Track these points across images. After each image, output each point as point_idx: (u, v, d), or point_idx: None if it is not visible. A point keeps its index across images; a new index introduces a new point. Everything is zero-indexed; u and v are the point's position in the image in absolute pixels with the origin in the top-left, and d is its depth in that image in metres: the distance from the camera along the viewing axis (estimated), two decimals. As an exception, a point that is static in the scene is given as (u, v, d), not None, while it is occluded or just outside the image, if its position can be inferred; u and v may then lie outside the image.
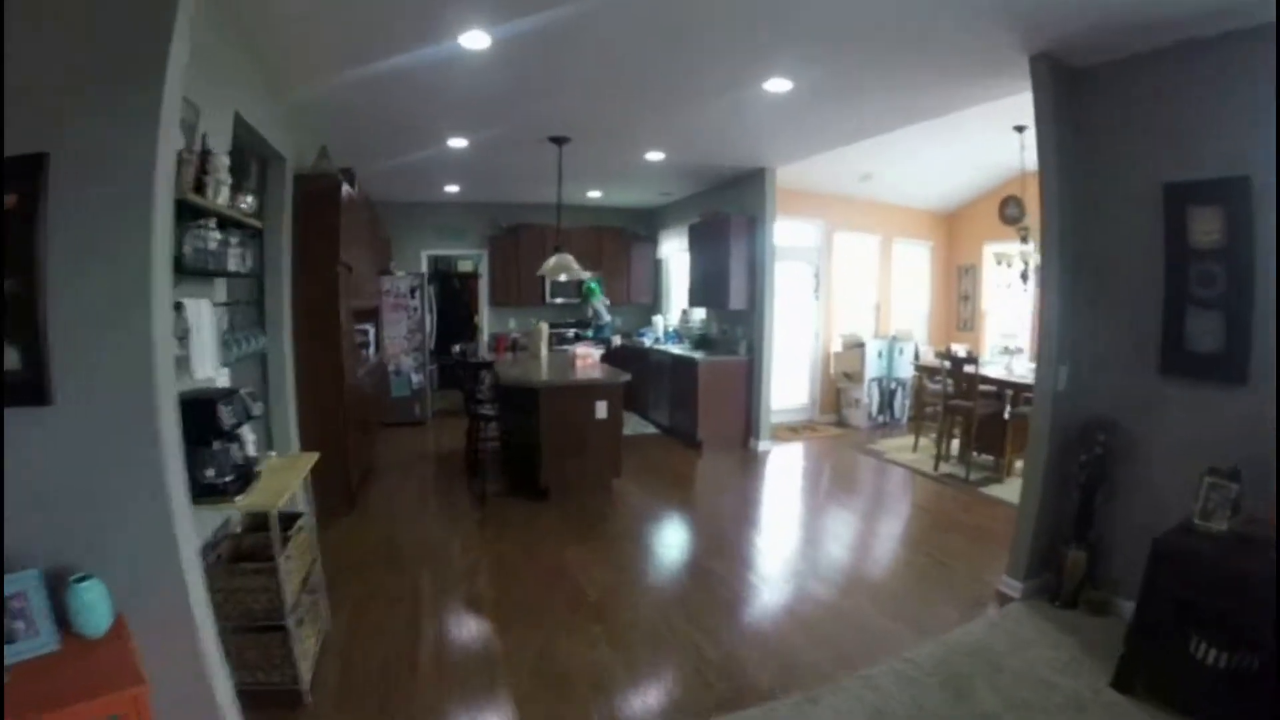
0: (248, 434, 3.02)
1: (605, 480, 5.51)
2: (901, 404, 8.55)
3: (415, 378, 8.31)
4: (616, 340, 9.15)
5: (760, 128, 5.32)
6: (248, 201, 3.12)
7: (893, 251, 9.05)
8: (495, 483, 5.75)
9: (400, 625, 3.41)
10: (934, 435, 6.93)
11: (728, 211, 7.23)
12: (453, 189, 8.19)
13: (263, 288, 4.53)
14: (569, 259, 5.72)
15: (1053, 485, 3.48)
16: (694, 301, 8.18)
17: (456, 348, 6.49)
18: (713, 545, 4.50)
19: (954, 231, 9.31)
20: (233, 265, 2.86)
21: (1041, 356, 3.43)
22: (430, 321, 8.64)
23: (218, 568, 2.80)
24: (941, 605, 3.57)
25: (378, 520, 4.98)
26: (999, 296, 8.49)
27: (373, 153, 5.87)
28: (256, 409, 2.85)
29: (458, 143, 5.71)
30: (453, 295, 11.18)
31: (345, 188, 5.24)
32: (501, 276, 9.25)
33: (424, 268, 9.38)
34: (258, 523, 3.24)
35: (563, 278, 9.02)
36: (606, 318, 9.24)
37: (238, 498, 2.65)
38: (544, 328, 7.00)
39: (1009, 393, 6.21)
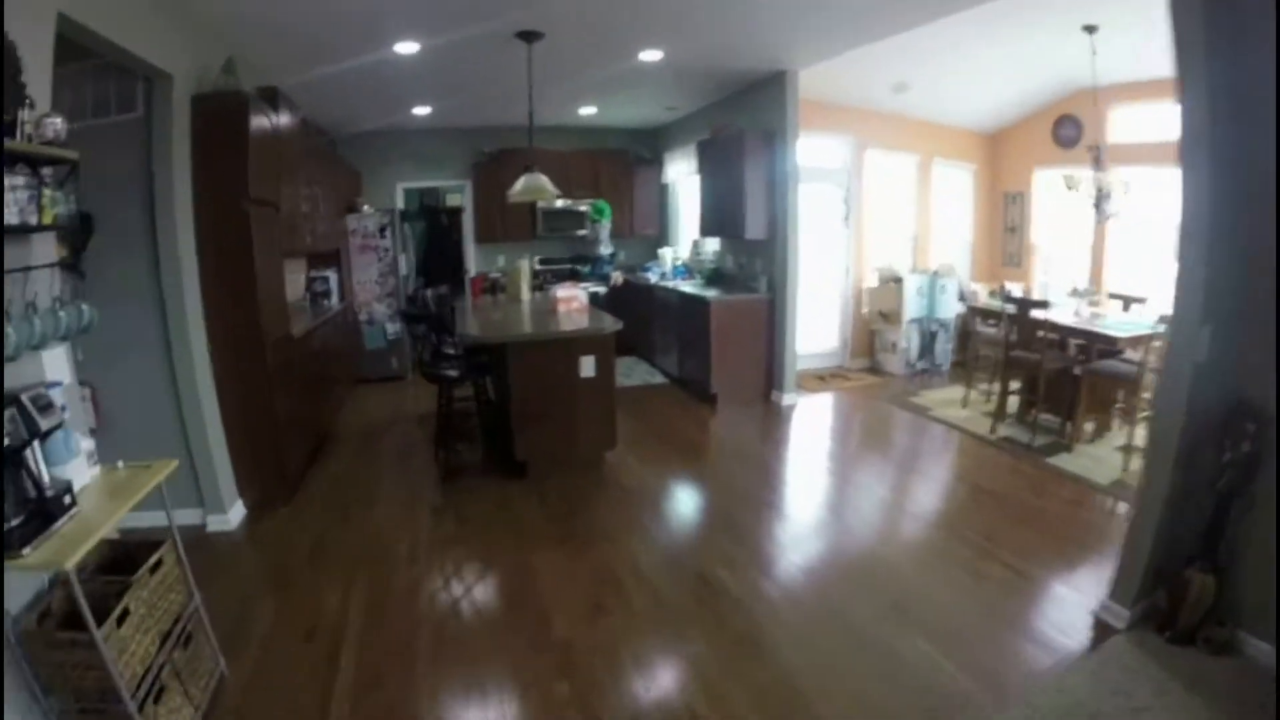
0: (74, 446, 2.24)
1: (596, 453, 4.71)
2: (943, 349, 7.64)
3: (390, 327, 7.49)
4: (618, 277, 8.23)
5: (778, 12, 4.29)
6: (55, 127, 2.25)
7: (932, 175, 8.00)
8: (467, 453, 4.99)
9: (312, 671, 2.66)
10: (984, 387, 6.08)
11: (742, 125, 6.20)
12: (423, 111, 7.17)
13: (161, 239, 3.74)
14: (541, 179, 4.75)
15: (1179, 486, 2.61)
16: (705, 231, 7.21)
17: (428, 291, 5.63)
18: (722, 542, 3.68)
19: (1000, 154, 8.27)
20: (10, 215, 2.00)
21: (1178, 313, 2.48)
22: (407, 263, 7.77)
23: (40, 633, 2.06)
24: (1023, 639, 2.74)
25: (318, 511, 4.23)
26: (1054, 229, 7.61)
27: (299, 63, 4.88)
28: (50, 419, 2.03)
29: (406, 48, 4.73)
30: (442, 233, 10.25)
31: (265, 110, 4.35)
32: (486, 209, 8.25)
33: (399, 203, 8.44)
34: (116, 556, 2.49)
35: (565, 203, 8.15)
36: (606, 250, 8.29)
37: (26, 549, 1.87)
38: (524, 266, 6.09)
39: (1074, 343, 5.35)
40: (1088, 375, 5.00)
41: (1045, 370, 5.08)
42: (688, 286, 6.86)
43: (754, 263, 6.56)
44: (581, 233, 8.40)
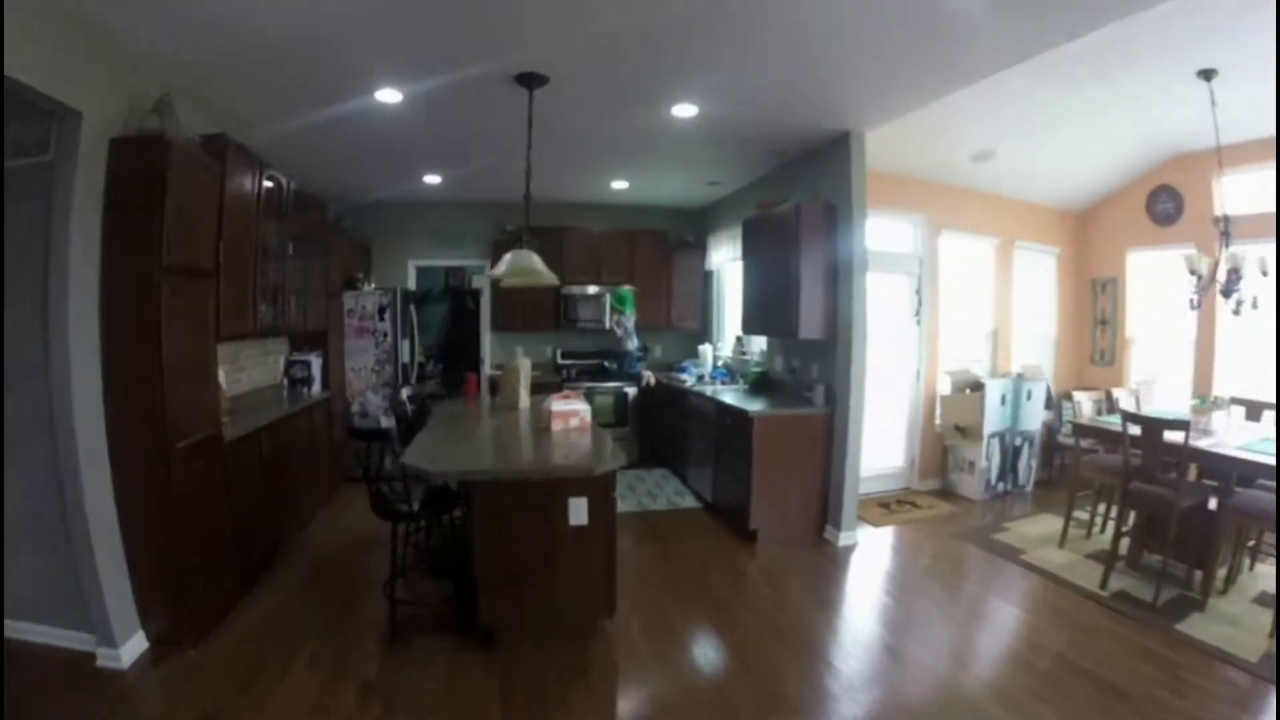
0: None
1: (588, 620, 3.56)
2: (1027, 465, 6.51)
3: (385, 422, 6.59)
4: (649, 377, 7.25)
5: (840, 55, 3.42)
6: None
7: (1013, 261, 7.03)
8: (430, 597, 3.90)
9: None
10: (1081, 514, 5.16)
11: (796, 199, 5.26)
12: (434, 180, 6.49)
13: (51, 309, 2.96)
14: (531, 259, 3.78)
15: None
16: (749, 328, 6.13)
17: (405, 390, 4.76)
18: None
19: (1087, 235, 7.38)
20: None
21: None
22: (410, 350, 6.96)
23: None
24: None
25: (225, 664, 3.22)
26: (1151, 321, 6.76)
27: (266, 108, 4.19)
28: None
29: (388, 96, 3.99)
30: (467, 317, 9.47)
31: (202, 161, 3.60)
32: (504, 293, 7.42)
33: (411, 281, 7.72)
34: None
35: (595, 289, 7.33)
36: (633, 344, 7.35)
37: None
38: (524, 365, 5.09)
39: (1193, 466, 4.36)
40: (1231, 513, 3.85)
41: (1179, 509, 3.92)
42: (728, 394, 5.79)
43: (808, 368, 5.49)
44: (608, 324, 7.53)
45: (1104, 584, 4.19)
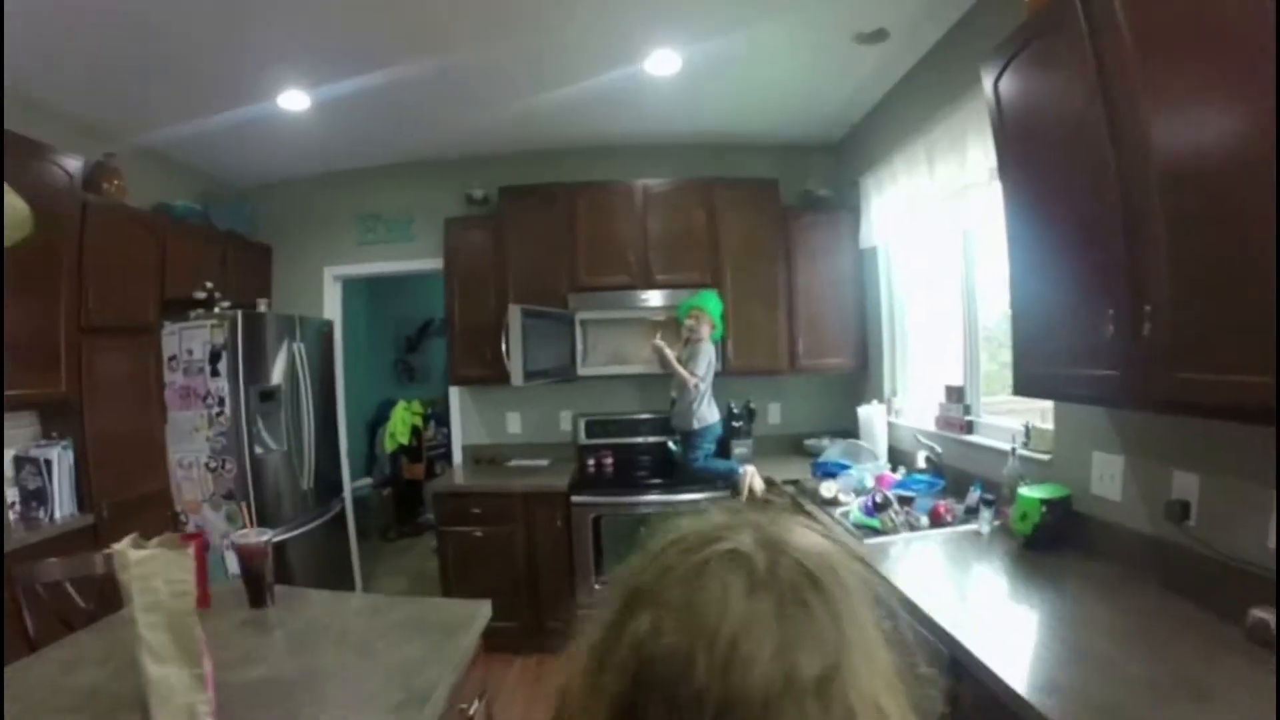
0: None
1: None
2: None
3: (231, 560, 3.63)
4: (752, 476, 3.74)
5: None
6: None
7: None
8: None
9: None
10: None
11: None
12: (299, 104, 3.55)
13: None
14: None
15: None
16: (1025, 384, 2.12)
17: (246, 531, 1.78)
18: None
19: None
20: None
21: None
22: (291, 433, 4.03)
23: None
24: None
25: None
26: None
27: None
28: None
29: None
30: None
31: None
32: (472, 315, 4.30)
33: (330, 307, 4.77)
34: None
35: (660, 300, 4.00)
36: (712, 417, 3.88)
37: None
38: (155, 564, 1.30)
39: None
40: None
41: None
42: (952, 570, 2.35)
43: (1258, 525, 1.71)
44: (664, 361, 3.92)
45: None
